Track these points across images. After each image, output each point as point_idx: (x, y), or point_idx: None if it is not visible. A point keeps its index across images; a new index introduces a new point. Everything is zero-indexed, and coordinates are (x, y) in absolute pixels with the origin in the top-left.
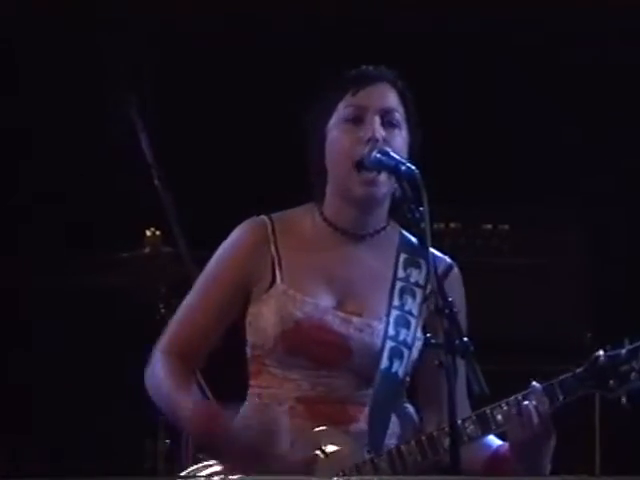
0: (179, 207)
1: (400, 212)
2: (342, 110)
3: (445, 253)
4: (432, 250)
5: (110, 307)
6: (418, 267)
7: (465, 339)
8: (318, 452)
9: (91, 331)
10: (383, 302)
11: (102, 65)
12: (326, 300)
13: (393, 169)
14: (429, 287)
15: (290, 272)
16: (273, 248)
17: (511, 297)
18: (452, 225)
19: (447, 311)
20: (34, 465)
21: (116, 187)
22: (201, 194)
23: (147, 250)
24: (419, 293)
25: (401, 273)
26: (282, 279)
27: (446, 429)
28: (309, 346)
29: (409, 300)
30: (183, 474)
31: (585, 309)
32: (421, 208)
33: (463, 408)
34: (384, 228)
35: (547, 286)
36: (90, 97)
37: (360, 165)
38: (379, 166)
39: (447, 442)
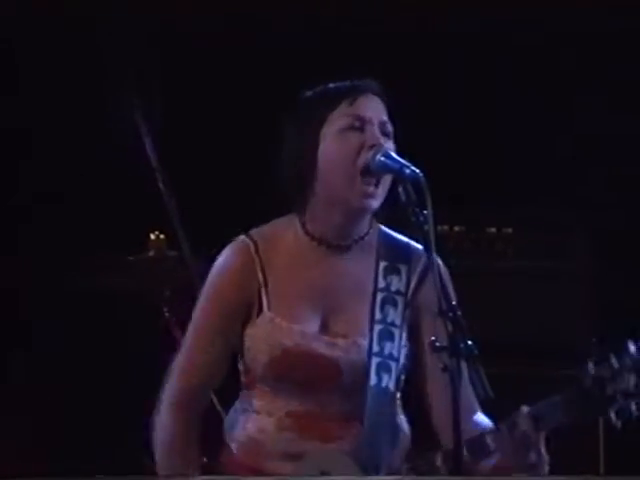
0: (183, 210)
1: (404, 215)
2: (338, 119)
3: (449, 256)
4: (410, 241)
5: (114, 310)
6: (398, 274)
7: (469, 342)
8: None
9: (94, 333)
10: (365, 318)
11: (105, 68)
12: (312, 325)
13: (398, 172)
14: (410, 293)
15: (276, 297)
16: (259, 271)
17: (515, 300)
18: (456, 228)
19: (451, 314)
20: (34, 465)
21: (120, 190)
22: (205, 197)
23: (151, 253)
24: (400, 301)
25: (381, 283)
26: (269, 307)
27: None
28: (298, 372)
29: (391, 311)
30: None
31: (589, 312)
32: (425, 211)
33: (473, 409)
34: (365, 235)
35: (551, 289)
36: (93, 99)
37: (366, 171)
38: (384, 169)
39: (444, 466)
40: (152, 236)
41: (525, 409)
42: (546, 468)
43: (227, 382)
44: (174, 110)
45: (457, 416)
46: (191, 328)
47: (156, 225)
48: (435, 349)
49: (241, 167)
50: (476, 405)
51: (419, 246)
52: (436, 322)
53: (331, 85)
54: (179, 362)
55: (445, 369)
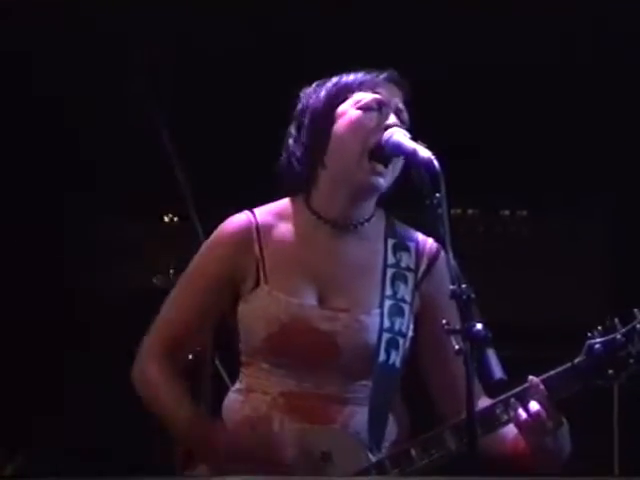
0: (196, 194)
1: (417, 199)
2: (358, 99)
3: (463, 240)
4: (417, 233)
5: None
6: (407, 250)
7: (483, 325)
8: (320, 456)
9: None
10: (372, 294)
11: (122, 55)
12: (311, 298)
13: (411, 154)
14: (420, 272)
15: (274, 272)
16: (257, 247)
17: (530, 283)
18: (470, 211)
19: (464, 297)
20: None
21: (135, 173)
22: (218, 180)
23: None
24: (411, 278)
25: (391, 259)
26: (266, 280)
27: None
28: (295, 348)
29: (401, 287)
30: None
31: (605, 294)
32: (438, 194)
33: (478, 393)
34: (370, 218)
35: (567, 272)
36: (108, 86)
37: (377, 151)
38: (398, 150)
39: (453, 441)
40: (166, 219)
41: (536, 379)
42: (566, 436)
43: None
44: (188, 95)
45: (470, 398)
46: (179, 284)
47: (170, 208)
48: (448, 332)
49: (255, 152)
50: (480, 389)
51: (423, 235)
52: (449, 305)
53: (351, 74)
54: (162, 315)
55: (459, 352)
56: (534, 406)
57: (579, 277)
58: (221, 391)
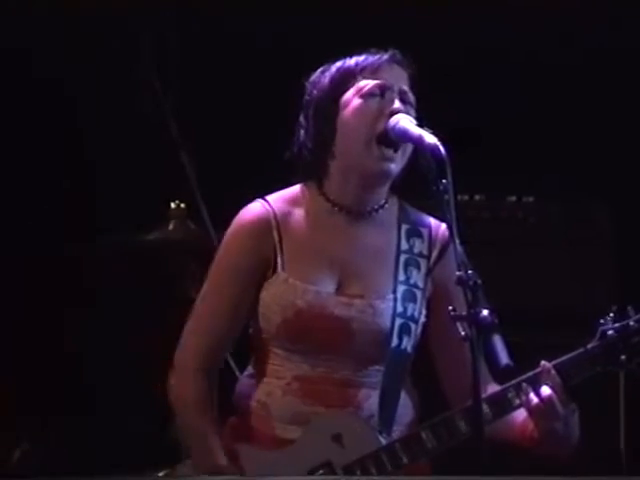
0: (203, 181)
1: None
2: (360, 86)
3: (469, 225)
4: (430, 218)
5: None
6: (420, 236)
7: (489, 311)
8: (331, 438)
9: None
10: (386, 280)
11: (128, 40)
12: (327, 285)
13: (417, 140)
14: (433, 257)
15: (291, 259)
16: (275, 234)
17: (536, 269)
18: (476, 197)
19: (471, 283)
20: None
21: (141, 160)
22: (225, 167)
23: (171, 226)
24: (423, 264)
25: (404, 245)
26: (283, 267)
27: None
28: (311, 333)
29: (414, 272)
30: None
31: (610, 281)
32: (444, 180)
33: (486, 379)
34: (384, 205)
35: (572, 258)
36: (114, 72)
37: (383, 137)
38: (404, 137)
39: (464, 424)
40: (172, 205)
41: (548, 364)
42: (576, 423)
43: (245, 348)
44: (194, 80)
45: (477, 384)
46: (203, 292)
47: (176, 195)
48: (455, 318)
49: (261, 138)
50: (488, 375)
51: (437, 221)
52: (456, 291)
53: (355, 55)
54: (194, 326)
55: (465, 338)
56: (546, 391)
57: (586, 263)
58: (227, 379)
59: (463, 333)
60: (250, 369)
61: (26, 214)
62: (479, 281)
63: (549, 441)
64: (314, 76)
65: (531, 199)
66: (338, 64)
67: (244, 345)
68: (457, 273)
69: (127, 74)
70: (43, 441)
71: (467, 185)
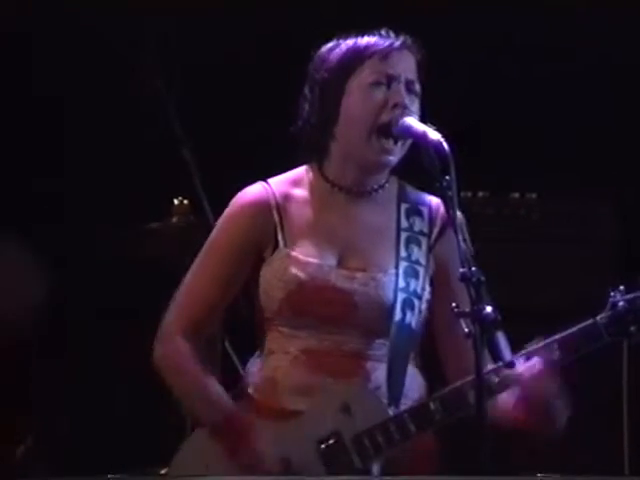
0: (206, 176)
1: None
2: (367, 74)
3: (472, 222)
4: (430, 196)
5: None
6: (420, 215)
7: (492, 308)
8: (339, 408)
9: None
10: (387, 256)
11: (131, 36)
12: (329, 259)
13: (421, 137)
14: (433, 235)
15: (292, 235)
16: (275, 214)
17: (539, 266)
18: (480, 194)
19: (474, 280)
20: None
21: (144, 156)
22: (228, 162)
23: (175, 220)
24: (424, 242)
25: (404, 223)
26: (285, 243)
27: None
28: (314, 306)
29: (415, 249)
30: None
31: (613, 279)
32: (448, 177)
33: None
34: (384, 184)
35: (576, 255)
36: (117, 67)
37: (385, 130)
38: (408, 133)
39: (472, 395)
40: (176, 201)
41: (547, 339)
42: (565, 401)
43: (244, 338)
44: (196, 75)
45: (480, 381)
46: (194, 266)
47: (180, 191)
48: (458, 315)
49: (264, 135)
50: (489, 358)
51: (437, 199)
52: (458, 286)
53: (365, 37)
54: (184, 290)
55: (469, 335)
56: (539, 365)
57: (588, 260)
58: (229, 372)
59: (467, 330)
60: (258, 352)
61: (26, 212)
62: (482, 278)
63: (533, 418)
64: (323, 50)
65: (534, 196)
66: (349, 43)
67: (243, 335)
68: (460, 270)
69: (130, 72)
70: (43, 441)
71: (470, 182)
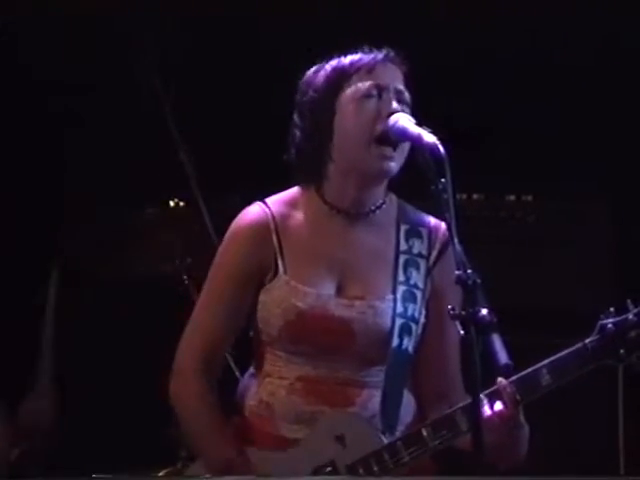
0: (202, 178)
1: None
2: (355, 87)
3: (468, 224)
4: (429, 217)
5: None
6: (419, 237)
7: (488, 310)
8: (334, 439)
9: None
10: (386, 281)
11: (128, 37)
12: (327, 288)
13: (416, 139)
14: (432, 257)
15: (292, 262)
16: (274, 236)
17: (535, 269)
18: (475, 196)
19: (470, 282)
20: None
21: (140, 157)
22: (224, 165)
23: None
24: (422, 264)
25: (403, 245)
26: (284, 270)
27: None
28: (312, 335)
29: (414, 273)
30: None
31: (608, 280)
32: (443, 179)
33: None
34: (382, 205)
35: (572, 258)
36: (114, 66)
37: (383, 137)
38: (403, 136)
39: (464, 422)
40: (172, 203)
41: (505, 381)
42: (525, 435)
43: (245, 349)
44: (193, 76)
45: (476, 384)
46: (202, 295)
47: (176, 192)
48: (454, 317)
49: (261, 135)
50: (462, 386)
51: (436, 220)
52: (453, 293)
53: (348, 55)
54: (194, 327)
55: (464, 337)
56: (498, 406)
57: (584, 262)
58: (227, 379)
59: (462, 332)
60: (252, 370)
61: (24, 213)
62: (478, 280)
63: (494, 452)
64: (308, 75)
65: (530, 198)
66: (333, 63)
67: (244, 346)
68: (456, 272)
69: (127, 73)
70: (43, 441)
71: (466, 184)
